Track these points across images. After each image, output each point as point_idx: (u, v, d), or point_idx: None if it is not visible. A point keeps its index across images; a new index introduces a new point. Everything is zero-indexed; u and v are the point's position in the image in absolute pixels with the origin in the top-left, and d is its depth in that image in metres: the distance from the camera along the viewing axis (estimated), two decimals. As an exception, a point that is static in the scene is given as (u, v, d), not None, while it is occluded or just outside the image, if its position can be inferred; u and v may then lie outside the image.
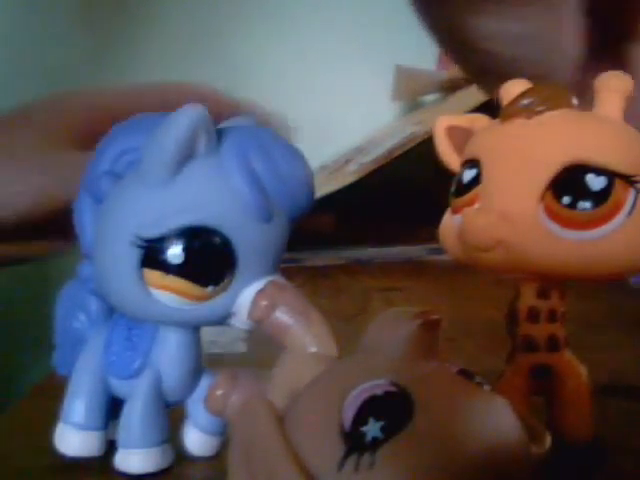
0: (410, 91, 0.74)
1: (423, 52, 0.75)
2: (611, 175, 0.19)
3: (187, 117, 0.19)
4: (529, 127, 0.20)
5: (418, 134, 0.56)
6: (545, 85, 0.21)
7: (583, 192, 0.19)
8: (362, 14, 0.75)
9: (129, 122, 0.21)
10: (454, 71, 0.70)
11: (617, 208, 0.19)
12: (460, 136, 0.23)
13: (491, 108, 0.23)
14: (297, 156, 0.21)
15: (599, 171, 0.19)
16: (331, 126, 0.70)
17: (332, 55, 0.73)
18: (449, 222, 0.22)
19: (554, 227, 0.19)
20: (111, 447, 0.21)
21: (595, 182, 0.19)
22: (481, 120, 0.23)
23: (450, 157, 0.23)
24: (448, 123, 0.23)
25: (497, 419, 0.14)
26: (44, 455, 0.22)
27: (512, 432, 0.14)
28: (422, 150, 0.51)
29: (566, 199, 0.19)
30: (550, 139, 0.20)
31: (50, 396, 0.22)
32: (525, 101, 0.20)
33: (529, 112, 0.20)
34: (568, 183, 0.19)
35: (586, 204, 0.19)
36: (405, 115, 0.74)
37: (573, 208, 0.19)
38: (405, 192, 0.63)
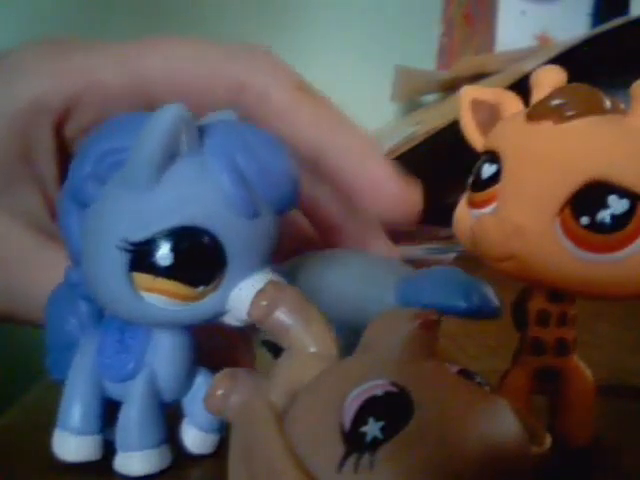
0: (410, 91, 0.74)
1: (423, 52, 0.75)
2: (635, 198, 0.18)
3: (168, 117, 0.18)
4: (556, 133, 0.19)
5: (418, 134, 0.56)
6: (580, 86, 0.20)
7: (603, 214, 0.18)
8: (362, 14, 0.75)
9: (110, 122, 0.21)
10: (454, 71, 0.70)
11: (637, 232, 0.18)
12: (485, 112, 0.21)
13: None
14: (280, 148, 0.20)
15: (623, 192, 0.18)
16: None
17: (332, 55, 0.73)
18: (464, 213, 0.21)
19: (569, 245, 0.18)
20: (111, 448, 0.21)
21: (618, 205, 0.18)
22: (509, 98, 0.21)
23: (473, 134, 0.22)
24: (474, 95, 0.22)
25: (497, 419, 0.14)
26: (44, 457, 0.21)
27: (512, 432, 0.14)
28: (422, 150, 0.51)
29: (584, 219, 0.18)
30: (575, 150, 0.19)
31: (49, 398, 0.22)
32: (557, 101, 0.19)
33: (558, 115, 0.19)
34: (589, 202, 0.18)
35: (605, 227, 0.18)
36: (405, 115, 0.74)
37: (590, 230, 0.18)
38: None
